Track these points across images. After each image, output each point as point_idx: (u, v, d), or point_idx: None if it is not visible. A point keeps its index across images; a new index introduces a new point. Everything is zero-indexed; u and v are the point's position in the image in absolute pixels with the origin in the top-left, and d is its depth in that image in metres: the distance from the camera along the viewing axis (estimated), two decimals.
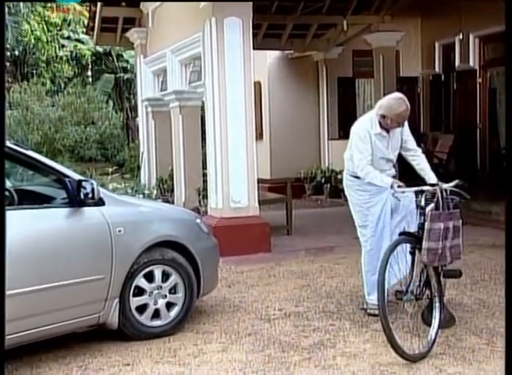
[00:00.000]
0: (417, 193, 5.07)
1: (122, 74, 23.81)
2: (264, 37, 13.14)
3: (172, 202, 10.81)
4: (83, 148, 19.48)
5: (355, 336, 5.15)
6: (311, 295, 6.39)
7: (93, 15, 12.88)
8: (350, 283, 6.79)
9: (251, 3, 8.34)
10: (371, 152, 5.50)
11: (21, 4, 20.92)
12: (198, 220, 5.90)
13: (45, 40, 22.84)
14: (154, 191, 11.78)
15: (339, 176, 13.37)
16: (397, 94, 5.57)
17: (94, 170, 15.07)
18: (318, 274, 7.29)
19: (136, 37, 12.46)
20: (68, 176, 4.77)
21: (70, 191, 4.70)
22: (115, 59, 24.12)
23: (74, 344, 4.99)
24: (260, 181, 9.18)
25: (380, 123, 5.49)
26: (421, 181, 5.45)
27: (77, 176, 4.84)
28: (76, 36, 23.84)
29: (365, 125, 5.54)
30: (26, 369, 4.57)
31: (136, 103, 17.69)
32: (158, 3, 11.31)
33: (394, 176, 5.62)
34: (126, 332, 5.08)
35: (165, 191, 11.69)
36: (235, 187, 8.44)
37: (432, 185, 5.14)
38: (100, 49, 23.22)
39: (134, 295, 5.09)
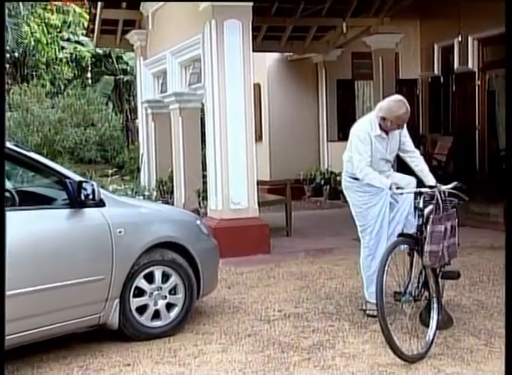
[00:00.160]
0: (415, 195, 5.10)
1: (121, 76, 23.85)
2: (263, 39, 13.18)
3: (172, 204, 10.83)
4: (82, 149, 19.51)
5: (354, 337, 5.17)
6: (311, 296, 6.42)
7: (93, 17, 12.91)
8: (349, 284, 6.82)
9: (251, 6, 8.38)
10: (371, 154, 5.53)
11: (21, 6, 20.96)
12: (198, 221, 5.93)
13: (45, 42, 22.88)
14: (154, 193, 11.81)
15: (338, 178, 13.38)
16: (397, 97, 5.60)
17: (94, 172, 15.10)
18: (318, 275, 7.31)
19: (136, 39, 12.49)
20: (68, 178, 4.80)
21: (71, 192, 4.72)
22: (114, 61, 24.16)
23: (75, 345, 5.02)
24: (259, 183, 9.21)
25: (380, 125, 5.52)
26: (419, 182, 5.49)
27: (78, 178, 4.87)
28: (76, 38, 23.88)
29: (365, 127, 5.57)
30: (27, 370, 4.60)
31: (135, 105, 17.72)
32: (158, 5, 11.34)
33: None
34: (127, 332, 5.10)
35: (164, 192, 11.71)
36: (235, 188, 8.47)
37: (431, 187, 5.18)
38: (100, 51, 23.25)
39: (134, 296, 5.11)
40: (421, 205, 4.98)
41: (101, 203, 4.89)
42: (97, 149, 20.02)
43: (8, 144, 4.67)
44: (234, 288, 6.85)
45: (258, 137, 13.06)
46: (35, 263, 4.53)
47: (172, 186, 11.33)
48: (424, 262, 4.84)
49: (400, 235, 5.05)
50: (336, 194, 13.33)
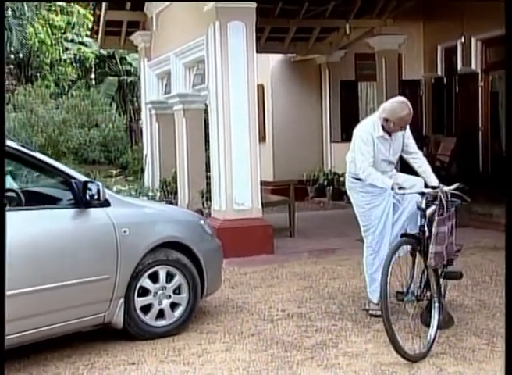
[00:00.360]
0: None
1: (125, 77, 23.90)
2: (267, 40, 13.22)
3: (176, 204, 10.87)
4: (86, 150, 19.58)
5: (357, 336, 5.21)
6: (314, 296, 6.45)
7: (97, 18, 12.95)
8: (352, 284, 6.85)
9: (255, 7, 8.41)
10: (373, 154, 5.56)
11: (25, 7, 21.02)
12: (202, 222, 5.97)
13: (49, 43, 22.95)
14: (158, 194, 11.85)
15: (341, 179, 13.44)
16: (400, 98, 5.64)
17: (98, 172, 15.14)
18: (321, 276, 7.34)
19: (140, 41, 12.54)
20: (74, 178, 4.84)
21: (76, 193, 4.77)
22: (118, 62, 24.21)
23: (80, 344, 5.06)
24: (263, 183, 9.24)
25: (383, 126, 5.56)
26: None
27: (83, 178, 4.91)
28: (80, 39, 23.94)
29: (368, 128, 5.61)
30: (32, 368, 4.63)
31: (139, 106, 17.80)
32: (162, 7, 11.38)
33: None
34: (131, 332, 5.14)
35: (168, 193, 11.75)
36: (238, 189, 8.51)
37: (433, 188, 5.21)
38: (103, 52, 23.31)
39: (139, 295, 5.15)
40: (423, 206, 5.01)
41: (106, 203, 4.93)
42: (100, 150, 20.08)
43: (15, 145, 4.72)
44: (238, 288, 6.88)
45: (262, 138, 13.09)
46: (41, 262, 4.57)
47: (176, 186, 11.37)
48: (429, 263, 4.88)
49: (403, 235, 5.08)
50: (340, 194, 13.37)
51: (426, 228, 5.00)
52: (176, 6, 10.65)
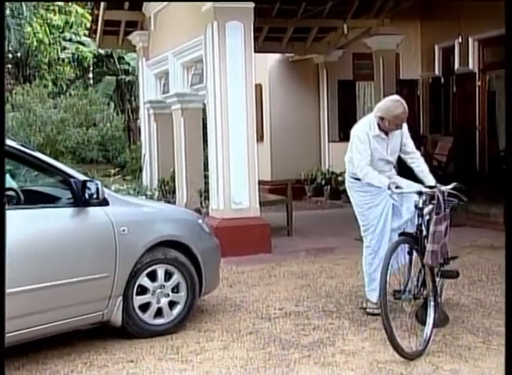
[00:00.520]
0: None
1: (123, 76, 23.90)
2: (265, 40, 13.25)
3: (174, 203, 10.90)
4: (84, 149, 19.57)
5: (354, 334, 5.24)
6: (311, 295, 6.48)
7: (96, 18, 12.98)
8: (349, 283, 6.88)
9: (252, 7, 8.44)
10: (370, 153, 5.60)
11: (24, 7, 21.02)
12: (200, 220, 6.00)
13: (47, 42, 22.92)
14: (156, 193, 11.87)
15: (339, 178, 13.49)
16: (395, 97, 5.68)
17: (96, 172, 15.17)
18: (318, 274, 7.38)
19: (138, 40, 12.56)
20: (73, 177, 4.87)
21: (75, 191, 4.80)
22: (116, 61, 24.21)
23: (78, 342, 5.09)
24: (261, 183, 9.28)
25: (379, 125, 5.59)
26: (419, 183, 5.55)
27: (82, 177, 4.93)
28: (78, 38, 23.92)
29: (364, 127, 5.64)
30: (32, 366, 4.66)
31: (137, 105, 17.80)
32: (160, 7, 11.41)
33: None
34: (130, 330, 5.17)
35: (166, 192, 11.77)
36: (236, 188, 8.54)
37: (431, 187, 5.24)
38: (101, 51, 23.30)
39: (137, 294, 5.18)
40: (420, 205, 5.05)
41: (104, 202, 4.95)
42: (98, 149, 20.07)
43: (15, 144, 4.75)
44: (236, 287, 6.91)
45: (260, 138, 13.13)
46: (40, 261, 4.60)
47: (174, 186, 11.40)
48: (426, 261, 4.92)
49: (401, 234, 5.12)
50: (337, 194, 13.42)
51: (423, 227, 5.05)
52: (174, 6, 10.68)
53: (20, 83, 22.25)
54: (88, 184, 4.82)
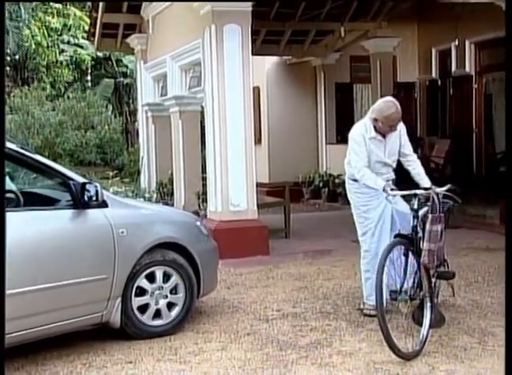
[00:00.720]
0: (410, 196, 5.21)
1: (121, 79, 23.94)
2: (262, 43, 13.28)
3: (172, 206, 10.93)
4: (82, 152, 19.63)
5: (351, 335, 5.28)
6: (309, 297, 6.52)
7: (94, 21, 13.01)
8: (346, 285, 6.92)
9: (250, 11, 8.49)
10: (367, 155, 5.64)
11: (22, 9, 21.07)
12: (198, 222, 6.04)
13: (46, 45, 22.96)
14: (154, 195, 11.91)
15: (336, 181, 13.54)
16: (388, 98, 5.74)
17: (94, 174, 15.20)
18: (316, 276, 7.41)
19: (136, 43, 12.60)
20: (72, 179, 4.91)
21: (75, 194, 4.83)
22: (114, 64, 24.25)
23: (78, 343, 5.12)
24: (258, 185, 9.31)
25: (375, 127, 5.64)
26: (414, 186, 5.59)
27: (81, 179, 4.97)
28: (76, 41, 23.98)
29: (360, 130, 5.69)
30: (31, 367, 4.69)
31: (135, 108, 17.84)
32: (158, 10, 11.44)
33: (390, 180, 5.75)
34: (128, 331, 5.20)
35: (164, 194, 11.81)
36: (234, 190, 8.58)
37: (426, 189, 5.29)
38: (99, 54, 23.34)
39: (136, 295, 5.21)
40: (415, 207, 5.10)
41: (103, 204, 4.99)
42: (97, 151, 20.14)
43: (14, 146, 4.78)
44: (233, 289, 6.95)
45: (257, 140, 13.14)
46: (39, 262, 4.64)
47: (172, 188, 11.43)
48: (422, 261, 4.96)
49: (397, 236, 5.16)
50: (335, 196, 13.47)
51: (419, 229, 5.09)
52: (172, 9, 10.72)
53: (18, 86, 22.31)
54: (87, 186, 4.86)
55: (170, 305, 5.42)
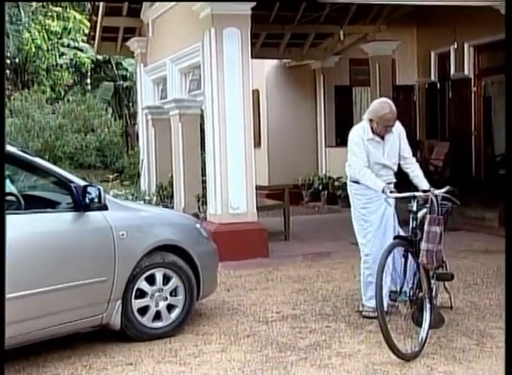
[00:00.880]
0: (409, 198, 5.23)
1: (121, 82, 23.96)
2: (262, 46, 13.32)
3: (172, 208, 10.95)
4: (82, 155, 19.65)
5: (350, 337, 5.30)
6: (308, 299, 6.54)
7: (94, 24, 13.05)
8: (345, 287, 6.94)
9: (250, 14, 8.52)
10: (366, 156, 5.67)
11: (22, 13, 21.10)
12: (198, 225, 6.06)
13: (46, 48, 22.99)
14: (154, 198, 11.93)
15: (336, 183, 13.57)
16: (383, 99, 5.80)
17: (94, 177, 15.22)
18: (315, 279, 7.43)
19: (136, 46, 12.63)
20: (73, 182, 4.93)
21: (76, 196, 4.86)
22: (114, 67, 24.28)
23: (78, 345, 5.14)
24: (258, 188, 9.33)
25: (372, 129, 5.67)
26: (413, 188, 5.61)
27: (83, 182, 5.00)
28: (76, 44, 24.01)
29: (358, 132, 5.73)
30: (32, 369, 4.72)
31: (135, 111, 17.86)
32: (158, 13, 11.48)
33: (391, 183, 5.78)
34: (129, 333, 5.23)
35: (164, 197, 11.83)
36: (234, 193, 8.60)
37: (424, 191, 5.31)
38: (99, 57, 23.37)
39: (136, 297, 5.24)
40: (414, 209, 5.13)
41: (104, 207, 5.01)
42: (97, 154, 20.16)
43: (15, 150, 4.81)
44: (233, 291, 6.97)
45: (257, 143, 13.16)
46: (40, 265, 4.66)
47: (172, 191, 11.46)
48: (421, 261, 4.98)
49: (396, 237, 5.19)
50: (334, 199, 13.48)
51: (418, 230, 5.12)
52: (172, 13, 10.76)
53: (19, 89, 22.33)
54: (89, 189, 4.89)
55: (170, 307, 5.45)
